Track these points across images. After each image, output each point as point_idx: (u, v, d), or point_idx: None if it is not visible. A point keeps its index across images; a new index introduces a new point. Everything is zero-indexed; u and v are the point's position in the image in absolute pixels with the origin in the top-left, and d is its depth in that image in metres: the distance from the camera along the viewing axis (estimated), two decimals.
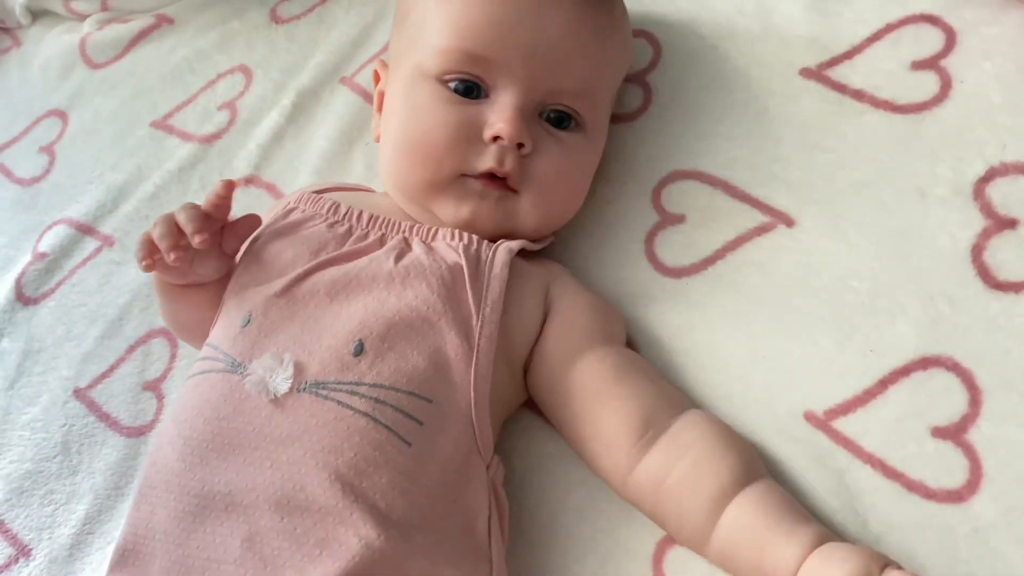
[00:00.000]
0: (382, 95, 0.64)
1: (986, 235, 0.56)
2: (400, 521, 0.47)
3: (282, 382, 0.50)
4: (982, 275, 0.55)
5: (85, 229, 0.80)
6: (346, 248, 0.56)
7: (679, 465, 0.50)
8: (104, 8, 0.92)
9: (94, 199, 0.81)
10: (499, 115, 0.56)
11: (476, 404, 0.52)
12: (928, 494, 0.51)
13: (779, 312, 0.58)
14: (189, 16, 0.89)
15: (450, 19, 0.58)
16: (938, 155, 0.59)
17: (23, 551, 0.67)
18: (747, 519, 0.48)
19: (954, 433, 0.52)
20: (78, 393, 0.72)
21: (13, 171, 0.87)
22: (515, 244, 0.57)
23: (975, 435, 0.51)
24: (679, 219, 0.63)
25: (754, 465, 0.51)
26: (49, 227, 0.82)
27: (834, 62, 0.64)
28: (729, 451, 0.50)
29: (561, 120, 0.59)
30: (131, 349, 0.73)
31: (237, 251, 0.58)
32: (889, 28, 0.64)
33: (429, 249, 0.55)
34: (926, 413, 0.53)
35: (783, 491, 0.50)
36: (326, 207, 0.59)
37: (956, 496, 0.50)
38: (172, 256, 0.52)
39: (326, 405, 0.49)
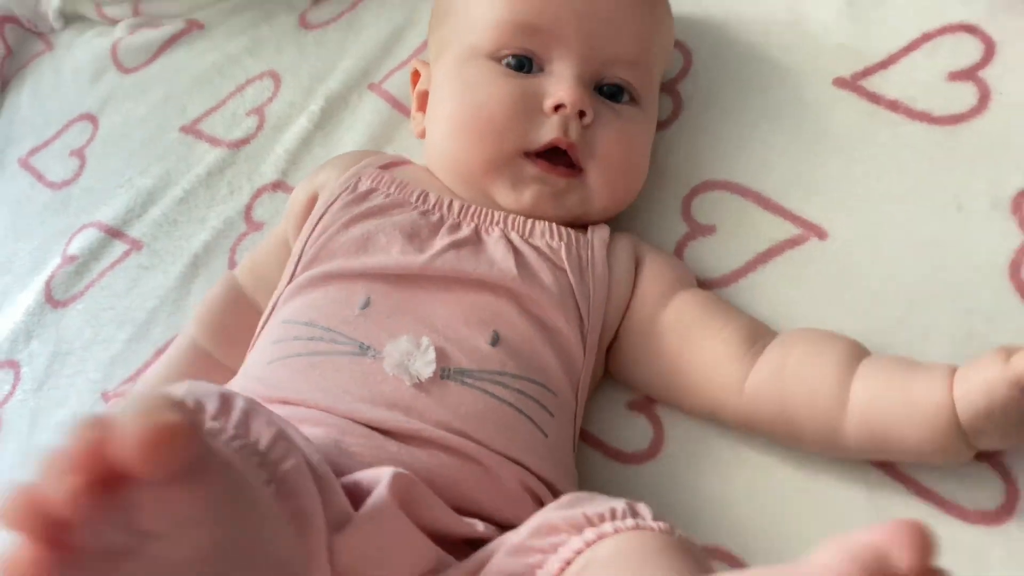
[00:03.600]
0: (423, 94, 0.64)
1: None
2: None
3: (423, 367, 0.49)
4: (1021, 291, 0.54)
5: (114, 233, 0.81)
6: (447, 238, 0.55)
7: (795, 350, 0.51)
8: (136, 13, 0.92)
9: (123, 203, 0.82)
10: (559, 84, 0.56)
11: (581, 397, 0.54)
12: (962, 515, 0.50)
13: (808, 327, 0.57)
14: (219, 21, 0.89)
15: None
16: (975, 168, 0.58)
17: None
18: (881, 370, 0.49)
19: (990, 454, 0.51)
20: (106, 396, 0.73)
21: (44, 174, 0.88)
22: (606, 235, 0.57)
23: (1011, 458, 0.50)
24: (709, 230, 0.63)
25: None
26: (79, 230, 0.82)
27: (869, 72, 0.63)
28: (839, 335, 0.52)
29: (615, 94, 0.58)
30: (158, 353, 0.73)
31: None
32: (926, 37, 0.63)
33: (536, 250, 0.55)
34: None
35: None
36: (415, 195, 0.57)
37: (992, 518, 0.49)
38: None
39: (473, 394, 0.49)
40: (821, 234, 0.60)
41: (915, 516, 0.49)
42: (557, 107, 0.55)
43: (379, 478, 0.43)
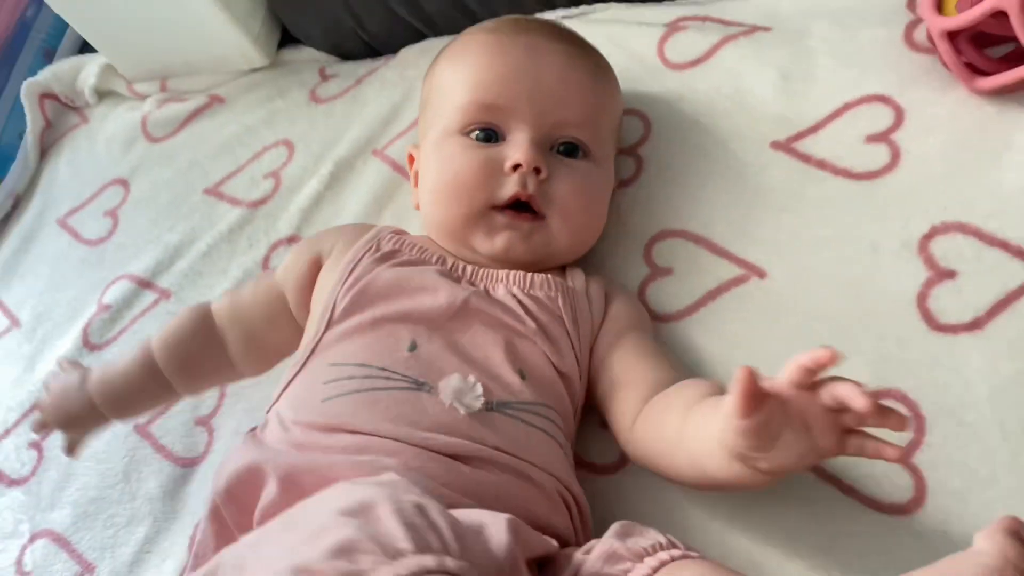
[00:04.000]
0: (417, 173, 0.73)
1: (929, 284, 0.64)
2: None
3: (473, 400, 0.57)
4: (926, 319, 0.63)
5: (145, 284, 0.90)
6: (470, 288, 0.64)
7: (662, 400, 0.59)
8: (163, 89, 1.04)
9: (153, 257, 0.91)
10: (516, 148, 0.65)
11: (576, 420, 0.64)
12: (879, 508, 0.58)
13: (752, 352, 0.66)
14: (238, 96, 1.00)
15: (465, 81, 0.68)
16: (888, 216, 0.68)
17: (88, 568, 0.75)
18: (699, 412, 0.55)
19: (903, 456, 0.59)
20: (138, 428, 0.81)
21: (81, 232, 0.98)
22: (584, 281, 0.68)
23: (920, 458, 0.59)
24: (667, 271, 0.72)
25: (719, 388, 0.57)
26: (113, 282, 0.91)
27: (800, 136, 0.74)
28: (702, 382, 0.59)
29: (571, 151, 0.68)
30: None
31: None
32: (847, 107, 0.73)
33: (536, 301, 0.64)
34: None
35: None
36: (434, 257, 0.67)
37: (903, 509, 0.58)
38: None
39: (514, 422, 0.58)
40: (761, 274, 0.69)
41: (842, 509, 0.59)
42: (515, 167, 0.65)
43: (482, 521, 0.48)
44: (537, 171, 0.65)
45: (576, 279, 0.67)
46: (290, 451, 0.55)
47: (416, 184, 0.74)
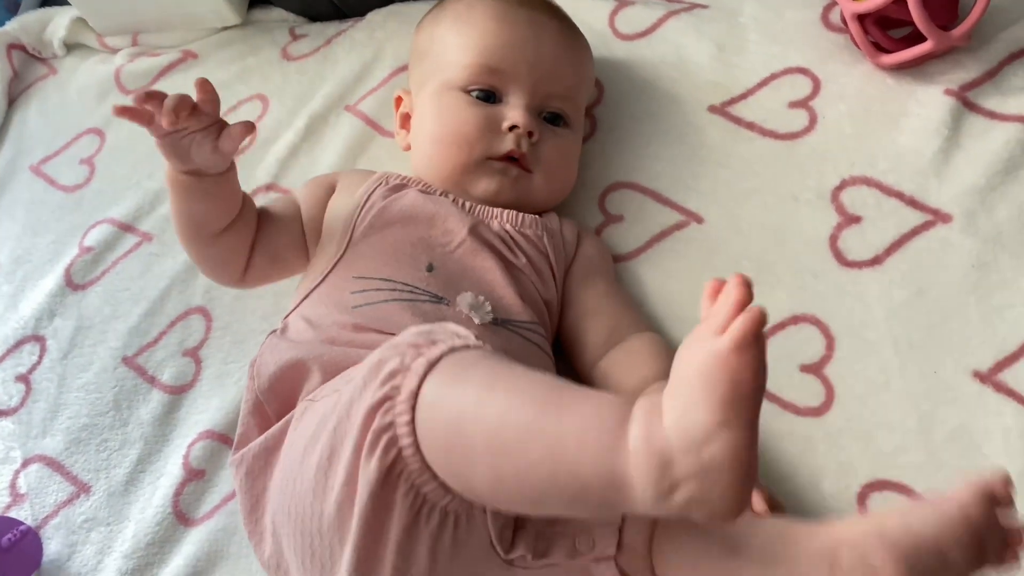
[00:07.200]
0: (406, 116, 0.81)
1: (839, 228, 0.76)
2: None
3: (484, 315, 0.66)
4: (836, 256, 0.75)
5: (126, 227, 0.94)
6: (473, 222, 0.71)
7: (624, 363, 0.70)
8: (134, 43, 1.07)
9: (133, 202, 0.95)
10: (514, 111, 0.74)
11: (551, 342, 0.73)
12: (796, 411, 0.70)
13: (691, 287, 0.77)
14: (211, 52, 1.04)
15: (471, 43, 0.76)
16: (806, 170, 0.79)
17: (83, 488, 0.80)
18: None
19: (815, 368, 0.71)
20: (126, 360, 0.86)
21: (57, 179, 1.01)
22: (558, 222, 0.76)
23: (830, 369, 0.71)
24: (619, 219, 0.82)
25: None
26: (93, 226, 0.94)
27: (732, 101, 0.84)
28: (656, 359, 0.69)
29: (554, 120, 0.77)
30: (172, 324, 0.87)
31: (232, 152, 0.68)
32: (772, 76, 0.85)
33: (526, 237, 0.73)
34: (796, 355, 0.72)
35: None
36: (438, 192, 0.74)
37: (816, 412, 0.70)
38: (165, 122, 0.64)
39: (515, 337, 0.67)
40: (699, 220, 0.80)
41: (765, 414, 0.70)
42: (512, 127, 0.74)
43: None
44: (530, 134, 0.74)
45: (552, 220, 0.77)
46: (325, 345, 0.62)
47: (403, 126, 0.82)
